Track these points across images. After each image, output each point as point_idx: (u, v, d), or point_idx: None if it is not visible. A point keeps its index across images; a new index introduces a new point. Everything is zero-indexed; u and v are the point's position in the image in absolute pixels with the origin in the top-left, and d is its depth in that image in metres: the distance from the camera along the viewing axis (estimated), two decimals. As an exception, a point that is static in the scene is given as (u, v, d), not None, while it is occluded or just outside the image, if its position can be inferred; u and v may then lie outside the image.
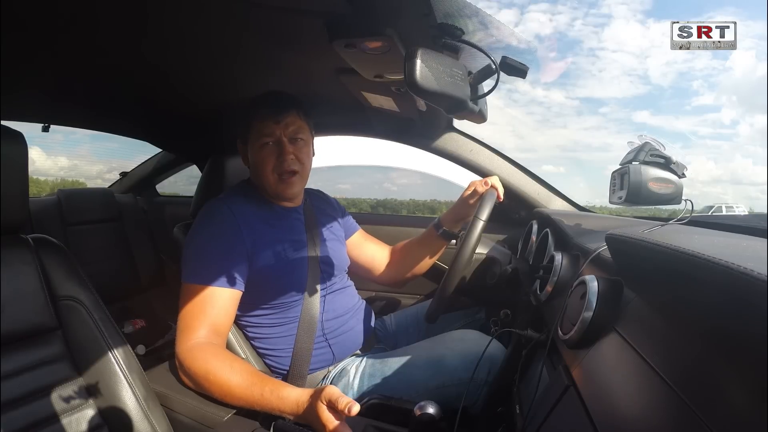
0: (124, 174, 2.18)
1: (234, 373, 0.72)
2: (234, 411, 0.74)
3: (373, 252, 1.13)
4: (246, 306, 0.87)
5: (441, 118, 1.20)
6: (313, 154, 0.98)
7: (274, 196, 0.93)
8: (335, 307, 0.94)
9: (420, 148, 1.35)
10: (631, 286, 0.50)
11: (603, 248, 0.61)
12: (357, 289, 1.06)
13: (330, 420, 0.61)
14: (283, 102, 0.90)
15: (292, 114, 0.89)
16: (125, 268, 1.87)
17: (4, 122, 0.68)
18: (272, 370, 0.90)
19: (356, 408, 0.59)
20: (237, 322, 0.90)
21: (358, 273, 1.13)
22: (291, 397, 0.67)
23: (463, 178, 1.36)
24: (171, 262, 1.97)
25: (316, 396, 0.64)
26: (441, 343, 0.90)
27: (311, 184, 1.11)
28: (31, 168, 0.71)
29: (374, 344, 1.04)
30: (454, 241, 1.07)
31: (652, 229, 0.54)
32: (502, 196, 0.94)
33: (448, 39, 0.64)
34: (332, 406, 0.61)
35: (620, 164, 0.67)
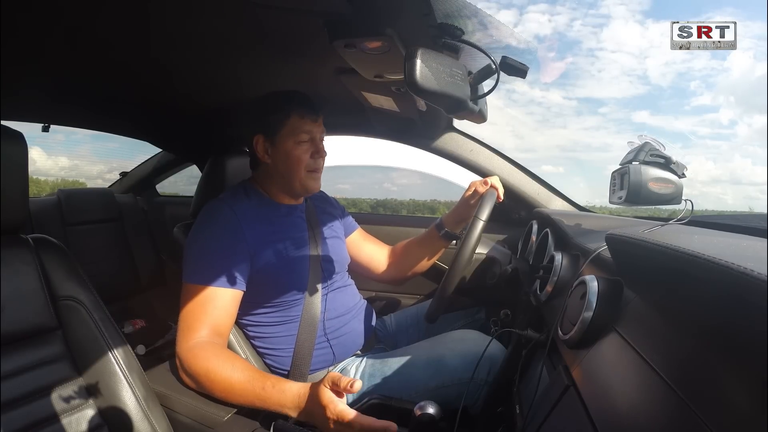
0: (124, 174, 2.18)
1: (235, 370, 0.72)
2: (234, 411, 0.74)
3: (371, 251, 1.13)
4: (247, 305, 0.87)
5: (441, 118, 1.20)
6: None
7: (301, 191, 0.94)
8: (336, 306, 0.94)
9: (420, 148, 1.35)
10: (631, 286, 0.50)
11: (603, 248, 0.61)
12: (357, 288, 1.06)
13: (331, 400, 0.63)
14: (315, 103, 0.92)
15: (321, 116, 0.93)
16: (125, 268, 1.87)
17: (4, 122, 0.68)
18: (273, 370, 0.90)
19: (358, 384, 0.61)
20: (237, 322, 0.90)
21: (357, 271, 1.13)
22: (292, 389, 0.68)
23: (463, 178, 1.37)
24: (171, 262, 1.97)
25: (317, 384, 0.65)
26: (441, 343, 0.90)
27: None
28: (31, 168, 0.71)
29: (374, 344, 1.04)
30: (455, 241, 1.07)
31: (652, 229, 0.54)
32: (502, 196, 0.94)
33: (448, 39, 0.64)
34: (335, 389, 0.63)
35: (620, 164, 0.67)
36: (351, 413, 0.62)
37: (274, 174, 0.94)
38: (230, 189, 0.98)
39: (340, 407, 0.63)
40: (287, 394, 0.68)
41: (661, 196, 0.63)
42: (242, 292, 0.83)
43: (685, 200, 0.62)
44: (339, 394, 0.64)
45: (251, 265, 0.84)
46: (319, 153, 0.92)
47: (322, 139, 0.94)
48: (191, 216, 1.09)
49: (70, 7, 0.63)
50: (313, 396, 0.65)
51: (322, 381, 0.65)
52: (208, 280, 0.80)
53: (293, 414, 0.68)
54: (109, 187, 2.22)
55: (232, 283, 0.81)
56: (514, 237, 1.26)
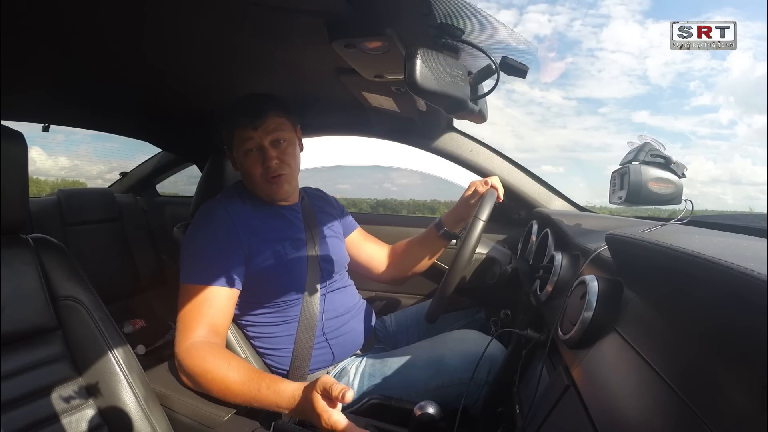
0: (124, 174, 2.18)
1: (231, 371, 0.72)
2: (234, 411, 0.74)
3: (371, 251, 1.13)
4: (246, 305, 0.87)
5: (441, 118, 1.20)
6: (301, 149, 0.96)
7: (268, 198, 0.93)
8: (335, 307, 0.94)
9: (420, 148, 1.35)
10: (631, 286, 0.50)
11: (603, 248, 0.61)
12: (357, 288, 1.06)
13: (324, 409, 0.62)
14: (258, 106, 0.87)
15: (270, 116, 0.87)
16: (125, 268, 1.87)
17: (4, 122, 0.68)
18: (272, 370, 0.90)
19: (350, 394, 0.60)
20: (237, 322, 0.90)
21: (357, 271, 1.13)
22: (287, 391, 0.68)
23: (463, 178, 1.37)
24: (171, 262, 1.97)
25: (310, 387, 0.65)
26: (441, 343, 0.90)
27: (312, 183, 1.11)
28: (31, 168, 0.71)
29: (374, 344, 1.04)
30: (454, 241, 1.07)
31: (652, 229, 0.54)
32: (502, 196, 0.94)
33: (448, 39, 0.64)
34: (327, 395, 0.62)
35: (620, 164, 0.67)
36: (344, 422, 0.62)
37: (245, 183, 0.95)
38: (226, 189, 0.98)
39: (335, 417, 0.62)
40: (282, 396, 0.68)
41: (661, 196, 0.63)
42: (238, 291, 0.83)
43: (685, 200, 0.61)
44: (332, 401, 0.62)
45: (247, 265, 0.84)
46: (267, 160, 0.87)
47: (275, 141, 0.88)
48: (191, 216, 1.09)
49: (70, 8, 0.63)
50: (307, 399, 0.64)
51: (314, 385, 0.64)
52: (204, 280, 0.80)
53: (288, 413, 0.68)
54: (109, 187, 2.22)
55: (227, 282, 0.81)
56: (514, 237, 1.26)
